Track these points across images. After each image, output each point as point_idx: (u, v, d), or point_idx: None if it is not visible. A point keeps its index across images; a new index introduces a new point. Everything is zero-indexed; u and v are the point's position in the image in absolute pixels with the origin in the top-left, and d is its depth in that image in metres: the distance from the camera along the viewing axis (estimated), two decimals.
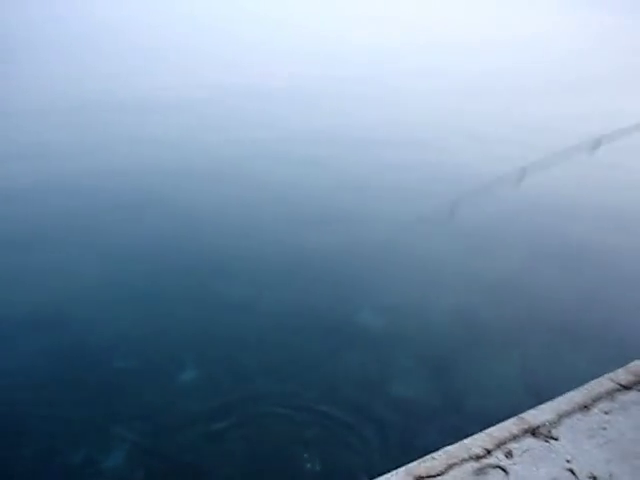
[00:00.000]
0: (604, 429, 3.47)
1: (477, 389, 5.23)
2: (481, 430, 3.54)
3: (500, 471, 3.25)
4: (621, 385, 3.77)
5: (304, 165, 14.61)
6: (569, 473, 3.19)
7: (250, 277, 7.73)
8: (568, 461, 3.26)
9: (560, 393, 3.74)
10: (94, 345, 6.19)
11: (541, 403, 3.67)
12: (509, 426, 3.52)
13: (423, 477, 3.26)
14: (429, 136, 18.28)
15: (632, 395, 3.70)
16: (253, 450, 4.77)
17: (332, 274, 7.96)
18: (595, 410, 3.61)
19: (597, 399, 3.68)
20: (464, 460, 3.33)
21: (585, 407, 3.63)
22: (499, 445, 3.41)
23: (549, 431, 3.46)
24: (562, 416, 3.58)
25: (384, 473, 3.33)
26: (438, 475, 3.26)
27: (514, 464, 3.28)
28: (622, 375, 3.86)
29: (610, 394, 3.72)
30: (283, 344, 6.04)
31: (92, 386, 5.66)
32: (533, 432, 3.47)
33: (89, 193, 11.29)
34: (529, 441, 3.42)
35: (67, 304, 7.07)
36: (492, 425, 3.58)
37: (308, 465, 4.55)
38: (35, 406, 5.47)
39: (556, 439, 3.41)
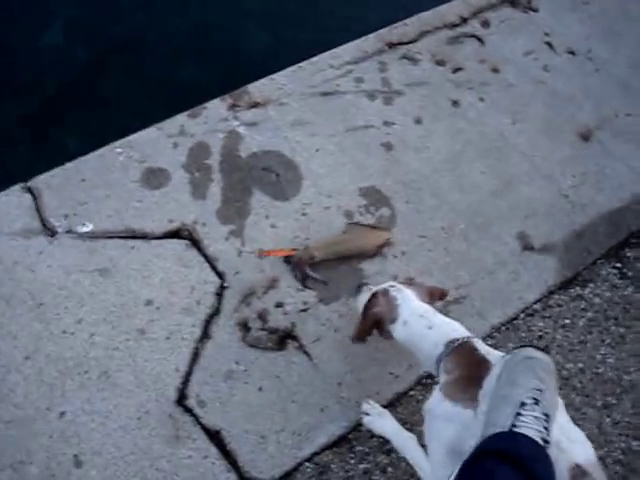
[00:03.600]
0: (586, 4, 3.28)
1: None
2: None
3: (475, 40, 3.05)
4: None
5: None
6: (547, 46, 3.06)
7: None
8: (547, 34, 3.11)
9: None
10: None
11: None
12: None
13: (394, 43, 3.00)
14: None
15: None
16: (197, 25, 4.13)
17: None
18: None
19: None
20: (438, 28, 3.08)
21: None
22: (476, 14, 3.15)
23: (529, 2, 3.21)
24: None
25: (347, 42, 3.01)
26: (410, 42, 3.01)
27: (490, 34, 3.09)
28: None
29: None
30: None
31: None
32: (512, 2, 3.21)
33: None
34: (507, 11, 3.19)
35: None
36: None
37: (257, 41, 4.05)
38: None
39: (536, 10, 3.19)
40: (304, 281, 2.26)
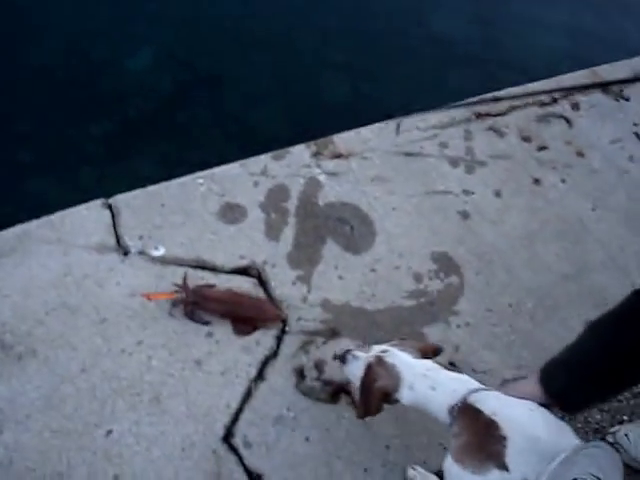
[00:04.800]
0: None
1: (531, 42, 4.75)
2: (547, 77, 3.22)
3: (564, 121, 3.04)
4: None
5: None
6: (634, 137, 3.03)
7: None
8: (635, 124, 3.08)
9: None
10: None
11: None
12: (579, 77, 3.22)
13: (483, 114, 3.00)
14: None
15: None
16: (280, 69, 4.26)
17: None
18: None
19: None
20: (528, 104, 3.08)
21: None
22: (567, 95, 3.14)
23: (621, 90, 3.20)
24: (638, 75, 3.28)
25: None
26: (499, 115, 3.02)
27: (579, 117, 3.07)
28: None
29: None
30: None
31: None
32: (604, 88, 3.19)
33: None
34: (598, 96, 3.17)
35: None
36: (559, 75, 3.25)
37: (334, 89, 4.16)
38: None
39: (627, 99, 3.17)
40: (191, 316, 2.22)
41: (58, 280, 2.24)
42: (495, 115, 2.97)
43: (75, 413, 2.01)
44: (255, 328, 2.22)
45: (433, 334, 2.28)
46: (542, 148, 2.87)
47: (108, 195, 2.50)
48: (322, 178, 2.60)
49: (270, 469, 1.98)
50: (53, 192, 3.39)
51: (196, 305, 2.19)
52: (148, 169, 3.60)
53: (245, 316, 2.24)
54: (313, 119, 3.72)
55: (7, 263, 2.27)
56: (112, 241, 2.35)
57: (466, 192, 2.67)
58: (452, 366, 2.24)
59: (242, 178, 2.56)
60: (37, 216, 2.43)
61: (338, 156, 2.67)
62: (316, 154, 2.67)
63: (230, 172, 2.58)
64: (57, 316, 2.17)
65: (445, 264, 2.46)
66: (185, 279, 2.23)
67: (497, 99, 3.04)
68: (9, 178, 3.46)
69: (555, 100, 3.08)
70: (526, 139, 2.88)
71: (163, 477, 1.94)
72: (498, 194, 2.68)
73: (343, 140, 2.74)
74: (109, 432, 1.99)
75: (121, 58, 4.38)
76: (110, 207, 2.44)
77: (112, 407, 2.03)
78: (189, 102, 4.24)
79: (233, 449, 2.00)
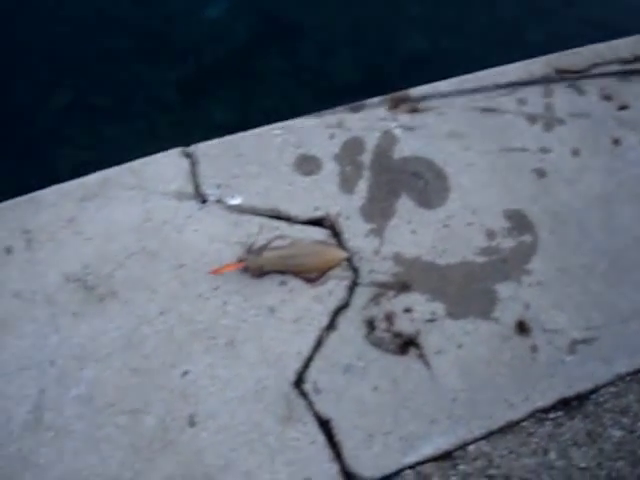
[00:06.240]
0: None
1: None
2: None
3: None
4: None
5: None
6: None
7: None
8: None
9: None
10: None
11: None
12: None
13: (563, 70, 2.90)
14: None
15: None
16: (357, 20, 4.21)
17: None
18: None
19: None
20: (610, 62, 2.96)
21: None
22: None
23: None
24: None
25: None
26: (579, 72, 2.91)
27: None
28: None
29: None
30: None
31: None
32: None
33: None
34: None
35: None
36: None
37: (411, 41, 4.08)
38: None
39: None
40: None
41: (138, 225, 2.31)
42: (576, 72, 2.88)
43: (153, 353, 2.10)
44: (323, 273, 2.25)
45: (504, 292, 2.28)
46: (623, 107, 2.77)
47: (182, 141, 2.55)
48: (397, 132, 2.59)
49: (338, 415, 2.04)
50: (129, 138, 3.47)
51: (262, 268, 2.24)
52: (222, 117, 3.64)
53: (307, 264, 2.27)
54: (389, 71, 3.67)
55: (90, 207, 2.35)
56: (190, 189, 2.40)
57: (543, 150, 2.61)
58: (521, 325, 2.24)
59: (318, 130, 2.57)
60: (114, 161, 2.49)
61: (415, 110, 2.64)
62: (392, 107, 2.65)
63: (306, 124, 2.58)
64: (137, 260, 2.25)
65: (519, 222, 2.44)
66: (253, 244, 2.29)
67: (578, 55, 2.93)
68: (86, 123, 3.55)
69: (638, 58, 2.95)
70: (607, 97, 2.79)
71: (236, 418, 2.02)
72: (576, 153, 2.62)
73: (420, 94, 2.71)
74: (185, 373, 2.08)
75: (197, 5, 4.40)
76: (188, 155, 2.48)
77: (188, 349, 2.12)
78: (264, 51, 4.24)
79: (303, 394, 2.07)
